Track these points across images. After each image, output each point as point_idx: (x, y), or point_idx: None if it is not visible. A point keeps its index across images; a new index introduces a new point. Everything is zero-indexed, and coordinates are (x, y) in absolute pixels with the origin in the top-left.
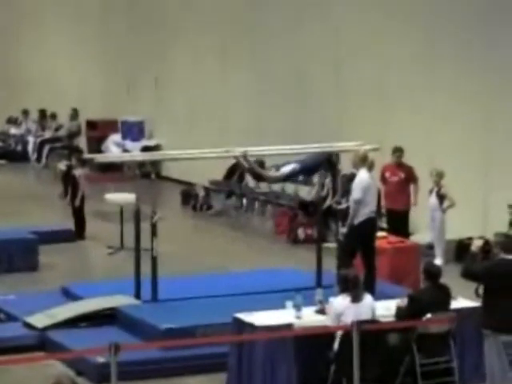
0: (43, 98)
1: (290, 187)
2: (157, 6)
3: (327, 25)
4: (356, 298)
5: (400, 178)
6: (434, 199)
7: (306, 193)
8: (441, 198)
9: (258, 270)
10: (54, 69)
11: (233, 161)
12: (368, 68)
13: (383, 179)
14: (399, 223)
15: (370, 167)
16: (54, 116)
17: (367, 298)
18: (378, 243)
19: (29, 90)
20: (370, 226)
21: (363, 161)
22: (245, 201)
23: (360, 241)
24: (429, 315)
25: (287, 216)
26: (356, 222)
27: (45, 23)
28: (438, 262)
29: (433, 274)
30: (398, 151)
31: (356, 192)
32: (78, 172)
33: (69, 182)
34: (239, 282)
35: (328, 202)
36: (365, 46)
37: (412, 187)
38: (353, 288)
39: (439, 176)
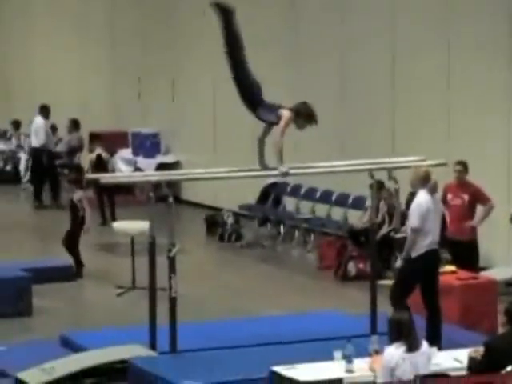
0: (37, 107)
1: (337, 212)
2: None
3: (381, 36)
4: (412, 347)
5: (463, 201)
6: None
7: (358, 219)
8: None
9: (299, 314)
10: (49, 72)
11: (267, 180)
12: (429, 66)
13: (445, 202)
14: (465, 256)
15: (433, 189)
16: (53, 128)
17: (424, 346)
18: (446, 279)
19: (19, 98)
20: (431, 260)
21: (424, 181)
22: (282, 229)
23: (419, 277)
24: (510, 368)
25: (334, 247)
26: (414, 254)
27: (37, 19)
28: None
29: None
30: (458, 165)
31: (414, 219)
32: (77, 195)
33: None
34: (276, 329)
35: (384, 230)
36: (425, 42)
37: (480, 210)
38: (407, 335)
39: None
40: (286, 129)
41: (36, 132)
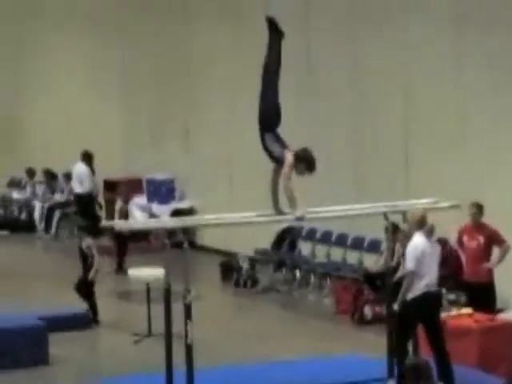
0: (50, 156)
1: (353, 256)
2: (183, 39)
3: (394, 71)
4: None
5: (479, 243)
6: None
7: (373, 262)
8: None
9: (315, 359)
10: (62, 120)
11: (282, 225)
12: (443, 105)
13: (461, 244)
14: (482, 298)
15: (430, 232)
16: (68, 176)
17: None
18: (464, 322)
19: (34, 147)
20: (427, 302)
21: (421, 224)
22: (298, 273)
23: (416, 320)
24: None
25: (350, 291)
26: (410, 297)
27: (53, 66)
28: None
29: None
30: (472, 207)
31: (409, 262)
32: (86, 243)
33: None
34: (294, 374)
35: (400, 273)
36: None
37: (496, 251)
38: (426, 379)
39: None
40: (291, 173)
41: (80, 179)
